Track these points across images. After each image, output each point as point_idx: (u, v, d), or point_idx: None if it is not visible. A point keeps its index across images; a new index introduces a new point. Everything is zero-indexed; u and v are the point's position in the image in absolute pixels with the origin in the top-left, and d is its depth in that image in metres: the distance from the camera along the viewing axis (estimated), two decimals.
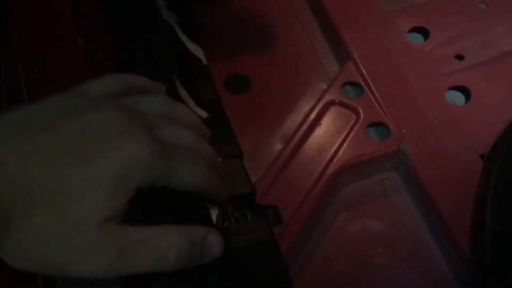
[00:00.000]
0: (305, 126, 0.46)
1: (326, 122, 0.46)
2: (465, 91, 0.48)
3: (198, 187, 0.26)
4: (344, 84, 0.49)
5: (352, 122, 0.46)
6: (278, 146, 0.47)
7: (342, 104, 0.47)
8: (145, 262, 0.23)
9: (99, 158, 0.22)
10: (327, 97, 0.48)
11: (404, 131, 0.45)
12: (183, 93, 0.45)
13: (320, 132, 0.46)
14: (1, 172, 0.20)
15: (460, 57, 0.51)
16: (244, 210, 0.38)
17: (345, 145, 0.44)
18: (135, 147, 0.22)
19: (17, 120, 0.22)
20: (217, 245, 0.26)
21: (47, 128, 0.22)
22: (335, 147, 0.44)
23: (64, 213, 0.21)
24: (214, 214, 0.37)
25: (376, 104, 0.47)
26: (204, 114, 0.46)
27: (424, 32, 0.53)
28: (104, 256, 0.21)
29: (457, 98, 0.49)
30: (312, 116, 0.46)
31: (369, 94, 0.48)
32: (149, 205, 0.25)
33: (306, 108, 0.49)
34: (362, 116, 0.46)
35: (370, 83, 0.48)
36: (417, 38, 0.53)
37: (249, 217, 0.38)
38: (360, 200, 0.45)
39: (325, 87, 0.50)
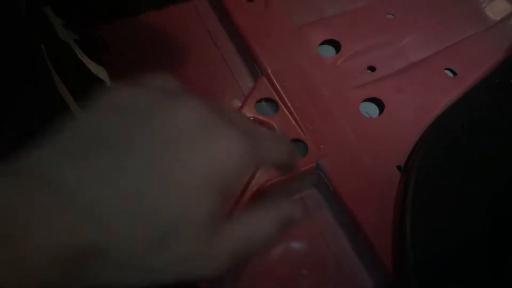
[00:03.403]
0: None
1: None
2: (379, 103, 0.48)
3: (279, 159, 0.27)
4: (259, 101, 0.47)
5: None
6: None
7: (257, 121, 0.45)
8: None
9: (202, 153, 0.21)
10: None
11: (321, 146, 0.44)
12: None
13: None
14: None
15: (372, 69, 0.51)
16: None
17: None
18: (225, 145, 0.22)
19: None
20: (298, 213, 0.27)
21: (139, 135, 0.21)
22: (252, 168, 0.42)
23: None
24: None
25: (292, 120, 0.46)
26: None
27: (335, 44, 0.53)
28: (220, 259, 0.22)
29: (372, 109, 0.49)
30: None
31: (285, 110, 0.46)
32: None
33: None
34: None
35: (285, 98, 0.47)
36: (329, 51, 0.53)
37: None
38: None
39: (240, 104, 0.48)
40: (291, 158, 0.28)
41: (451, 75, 0.51)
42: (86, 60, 0.47)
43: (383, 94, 0.48)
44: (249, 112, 0.46)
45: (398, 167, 0.43)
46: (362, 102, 0.48)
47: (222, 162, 0.22)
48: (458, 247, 0.36)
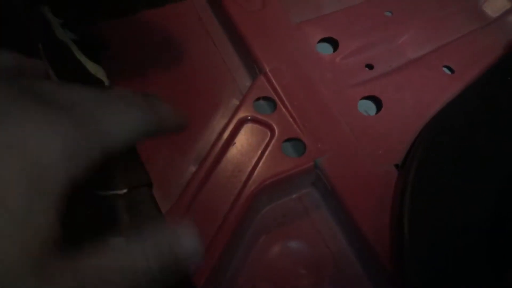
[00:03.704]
0: (218, 147, 0.44)
1: (240, 140, 0.44)
2: (377, 101, 0.48)
3: (145, 125, 0.20)
4: (257, 99, 0.47)
5: (267, 139, 0.44)
6: (191, 169, 0.44)
7: (255, 120, 0.46)
8: None
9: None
10: (240, 114, 0.46)
11: (319, 145, 0.44)
12: None
13: (234, 151, 0.44)
14: None
15: (370, 66, 0.51)
16: None
17: (260, 163, 0.43)
18: (30, 138, 0.15)
19: None
20: (194, 247, 0.19)
21: None
22: (250, 167, 0.43)
23: None
24: None
25: (290, 118, 0.46)
26: None
27: (333, 42, 0.53)
28: None
29: (370, 107, 0.49)
30: (225, 135, 0.44)
31: (283, 108, 0.46)
32: None
33: (219, 126, 0.47)
34: (276, 132, 0.44)
35: (283, 97, 0.47)
36: (327, 48, 0.53)
37: None
38: (280, 221, 0.43)
39: (238, 103, 0.48)
40: (164, 118, 0.20)
41: (449, 72, 0.51)
42: (84, 60, 0.47)
43: (381, 92, 0.48)
44: (247, 111, 0.46)
45: (396, 166, 0.43)
46: (360, 100, 0.48)
47: (30, 165, 0.14)
48: (457, 247, 0.37)
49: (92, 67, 0.47)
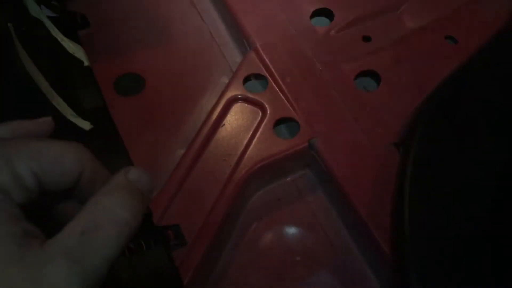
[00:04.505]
0: (207, 128, 0.41)
1: (230, 121, 0.42)
2: (375, 76, 0.45)
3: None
4: (248, 77, 0.45)
5: (258, 119, 0.42)
6: (179, 152, 0.42)
7: (246, 99, 0.43)
8: (107, 243, 0.18)
9: None
10: (230, 93, 0.43)
11: (314, 125, 0.41)
12: (58, 102, 0.38)
13: (223, 133, 0.41)
14: None
15: (367, 39, 0.48)
16: (138, 237, 0.33)
17: (252, 145, 0.40)
18: None
19: None
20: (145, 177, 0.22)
21: None
22: (241, 149, 0.40)
23: None
24: None
25: (283, 97, 0.43)
26: (87, 125, 0.39)
27: (328, 14, 0.49)
28: (59, 273, 0.17)
29: (368, 83, 0.46)
30: (214, 116, 0.42)
31: (275, 86, 0.43)
32: None
33: (208, 106, 0.44)
34: (268, 112, 0.42)
35: (275, 73, 0.44)
36: (322, 21, 0.49)
37: (144, 246, 0.32)
38: (273, 205, 0.41)
39: (227, 81, 0.45)
40: None
41: (452, 43, 0.48)
42: (61, 38, 0.44)
43: (379, 66, 0.45)
44: (237, 90, 0.43)
45: (396, 144, 0.41)
46: (357, 75, 0.45)
47: None
48: (458, 231, 0.34)
49: (70, 46, 0.44)
